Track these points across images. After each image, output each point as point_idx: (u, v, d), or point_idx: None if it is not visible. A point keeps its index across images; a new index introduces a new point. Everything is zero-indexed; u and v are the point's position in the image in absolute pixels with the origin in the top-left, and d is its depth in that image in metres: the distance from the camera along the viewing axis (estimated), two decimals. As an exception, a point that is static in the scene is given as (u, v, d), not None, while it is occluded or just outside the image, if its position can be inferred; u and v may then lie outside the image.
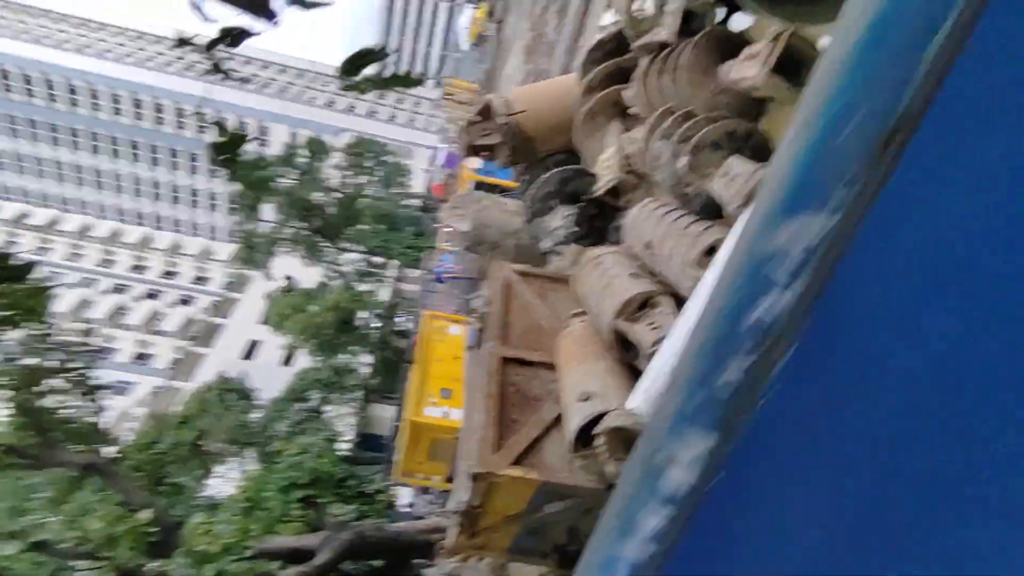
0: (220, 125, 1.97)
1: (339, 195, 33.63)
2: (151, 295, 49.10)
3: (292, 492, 8.72)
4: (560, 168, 6.81)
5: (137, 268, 52.33)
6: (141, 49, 64.44)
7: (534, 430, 5.32)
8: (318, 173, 32.98)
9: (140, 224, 62.20)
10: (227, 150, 1.96)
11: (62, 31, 63.31)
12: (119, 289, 48.79)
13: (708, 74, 4.05)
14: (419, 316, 22.57)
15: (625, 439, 4.34)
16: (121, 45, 63.95)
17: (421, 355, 11.51)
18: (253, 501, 8.95)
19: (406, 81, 2.15)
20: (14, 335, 9.26)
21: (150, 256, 53.99)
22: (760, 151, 3.70)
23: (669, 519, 1.26)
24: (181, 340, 43.39)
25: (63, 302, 40.35)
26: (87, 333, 10.75)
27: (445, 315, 13.06)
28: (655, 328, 4.19)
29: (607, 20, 7.00)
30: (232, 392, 19.85)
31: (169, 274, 52.43)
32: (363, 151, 34.81)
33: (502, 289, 6.52)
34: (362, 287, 29.91)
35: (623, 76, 5.86)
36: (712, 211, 4.07)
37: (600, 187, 5.76)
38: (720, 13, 4.70)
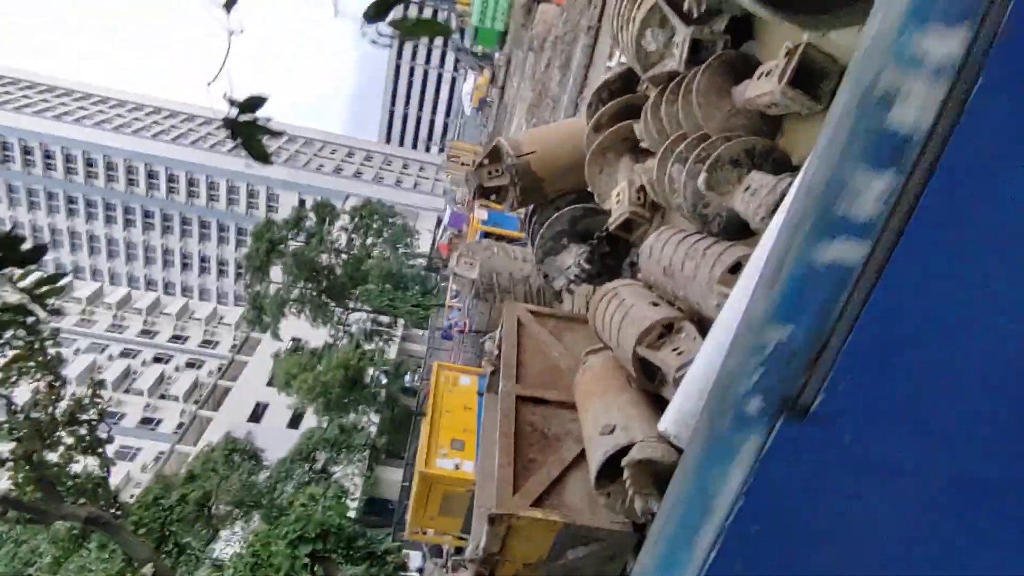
0: (233, 101, 1.95)
1: (346, 256, 34.03)
2: (159, 359, 49.01)
3: (300, 547, 8.30)
4: (571, 206, 6.84)
5: (146, 333, 52.46)
6: (156, 123, 66.88)
7: (554, 470, 5.10)
8: (326, 235, 33.50)
9: (151, 290, 62.88)
10: (245, 113, 1.93)
11: (82, 107, 65.97)
12: (128, 354, 48.79)
13: (722, 96, 4.09)
14: (428, 368, 22.33)
15: (653, 473, 4.13)
16: (137, 120, 66.40)
17: (432, 407, 11.28)
18: (260, 557, 8.52)
19: (435, 27, 2.09)
20: (25, 387, 9.17)
21: (159, 321, 54.24)
22: (781, 167, 3.67)
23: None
24: (188, 404, 42.98)
25: (74, 367, 40.23)
26: (97, 386, 10.62)
27: (455, 366, 12.89)
28: (680, 353, 4.06)
29: (613, 62, 7.16)
30: (238, 453, 19.41)
31: (178, 338, 52.50)
32: (370, 213, 35.44)
33: (515, 329, 6.42)
34: (369, 346, 29.78)
35: (631, 113, 5.94)
36: (732, 232, 4.02)
37: (613, 221, 5.75)
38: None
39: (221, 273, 68.21)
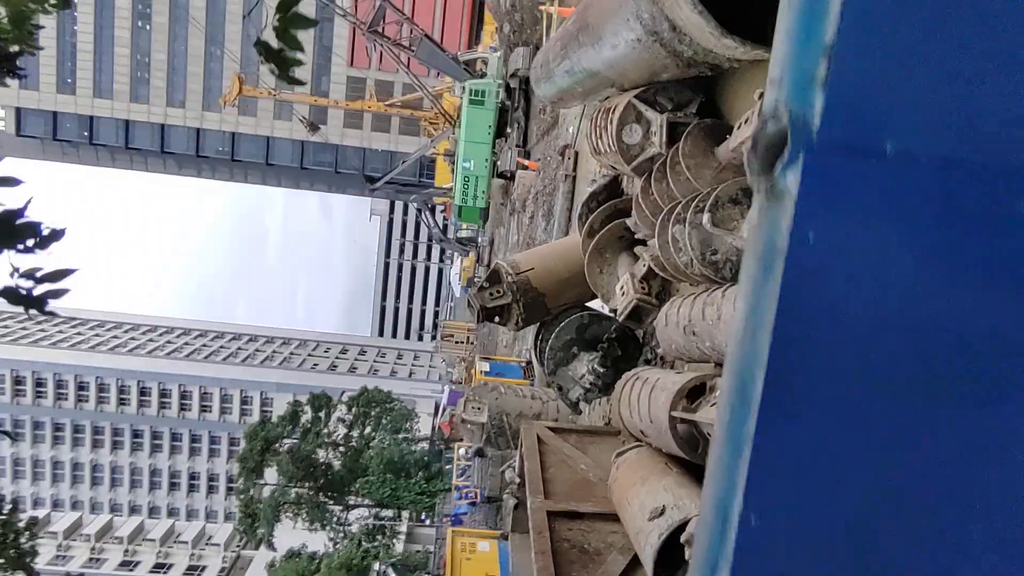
0: (262, 44, 1.99)
1: (344, 449, 32.85)
2: (139, 594, 44.42)
3: None
4: (577, 315, 6.84)
5: (126, 564, 48.11)
6: (133, 339, 68.18)
7: (602, 586, 4.45)
8: (323, 428, 32.64)
9: (135, 514, 59.00)
10: (282, 10, 1.94)
11: (63, 331, 67.42)
12: (104, 591, 44.29)
13: (707, 157, 4.33)
14: (439, 564, 20.41)
15: (717, 550, 3.63)
16: (116, 337, 67.59)
17: (449, 580, 10.12)
18: None
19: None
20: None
21: (142, 548, 50.09)
22: (778, 200, 3.78)
23: None
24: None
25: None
26: None
27: (472, 531, 11.77)
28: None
29: (598, 175, 7.64)
30: None
31: (161, 567, 48.09)
32: (367, 401, 34.95)
33: (535, 446, 6.01)
34: (372, 544, 27.50)
35: (620, 215, 6.23)
36: (746, 274, 4.00)
37: (621, 312, 5.73)
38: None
39: (211, 490, 64.84)
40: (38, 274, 2.25)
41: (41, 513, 54.75)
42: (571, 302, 7.21)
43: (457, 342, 37.48)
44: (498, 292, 7.06)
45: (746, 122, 3.98)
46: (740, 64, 3.69)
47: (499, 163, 21.68)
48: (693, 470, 4.31)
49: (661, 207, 4.92)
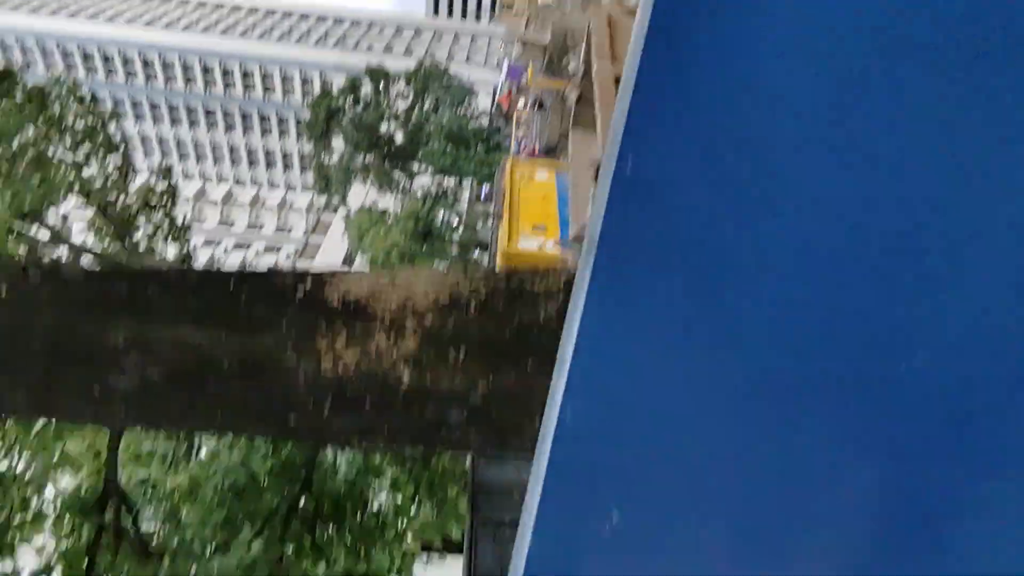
0: None
1: (405, 122, 33.44)
2: (240, 246, 51.59)
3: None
4: None
5: (223, 223, 54.96)
6: (201, 17, 65.98)
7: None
8: (383, 101, 32.84)
9: (222, 183, 65.09)
10: None
11: (149, 9, 65.68)
12: (210, 243, 51.63)
13: None
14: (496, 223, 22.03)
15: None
16: (198, 21, 65.68)
17: (508, 201, 11.00)
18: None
19: None
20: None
21: (235, 211, 56.55)
22: None
23: None
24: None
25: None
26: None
27: (531, 160, 12.42)
28: None
29: None
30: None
31: (253, 226, 54.78)
32: (426, 75, 34.26)
33: (604, 24, 5.76)
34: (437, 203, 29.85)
35: None
36: None
37: None
38: None
39: (286, 167, 69.39)
40: None
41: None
42: None
43: (516, 14, 34.67)
44: None
45: None
46: None
47: None
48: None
49: None
